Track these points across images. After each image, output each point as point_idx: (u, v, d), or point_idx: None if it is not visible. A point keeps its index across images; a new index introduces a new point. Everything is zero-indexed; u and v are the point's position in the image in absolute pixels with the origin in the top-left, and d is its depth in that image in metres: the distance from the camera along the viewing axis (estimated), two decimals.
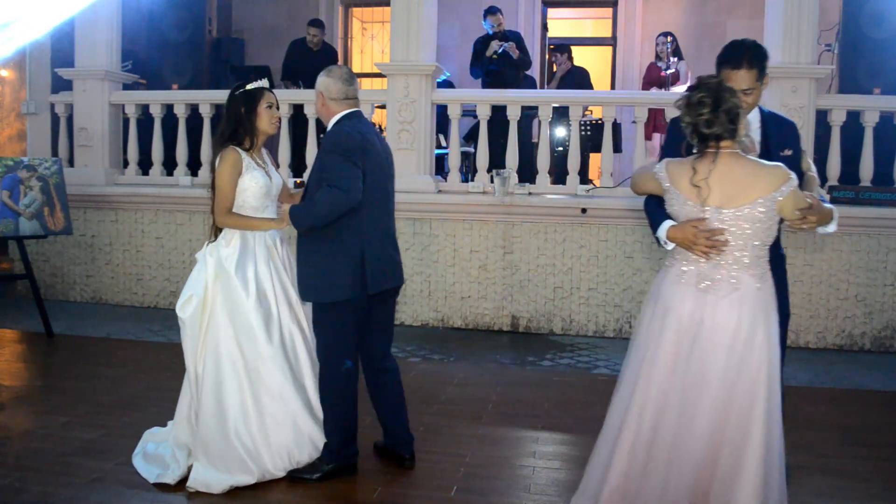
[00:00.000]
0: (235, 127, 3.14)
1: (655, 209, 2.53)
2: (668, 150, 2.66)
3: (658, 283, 2.52)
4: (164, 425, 3.38)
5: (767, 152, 2.72)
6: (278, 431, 3.08)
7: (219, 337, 3.05)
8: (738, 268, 2.34)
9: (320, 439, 3.15)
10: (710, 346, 2.33)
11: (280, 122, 3.36)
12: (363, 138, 2.99)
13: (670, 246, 2.46)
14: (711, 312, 2.34)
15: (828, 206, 2.48)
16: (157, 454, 3.21)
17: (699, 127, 2.32)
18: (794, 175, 2.33)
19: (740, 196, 2.30)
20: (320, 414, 3.16)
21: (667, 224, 2.45)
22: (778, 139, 2.77)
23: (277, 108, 3.22)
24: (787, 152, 2.73)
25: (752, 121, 2.77)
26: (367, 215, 3.00)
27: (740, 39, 2.78)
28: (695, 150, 2.40)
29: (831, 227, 2.48)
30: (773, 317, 2.38)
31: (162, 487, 3.00)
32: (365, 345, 3.19)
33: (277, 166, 3.68)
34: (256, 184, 3.13)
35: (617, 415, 2.52)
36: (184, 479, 3.02)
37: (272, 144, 6.95)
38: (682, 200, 2.38)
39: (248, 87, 3.16)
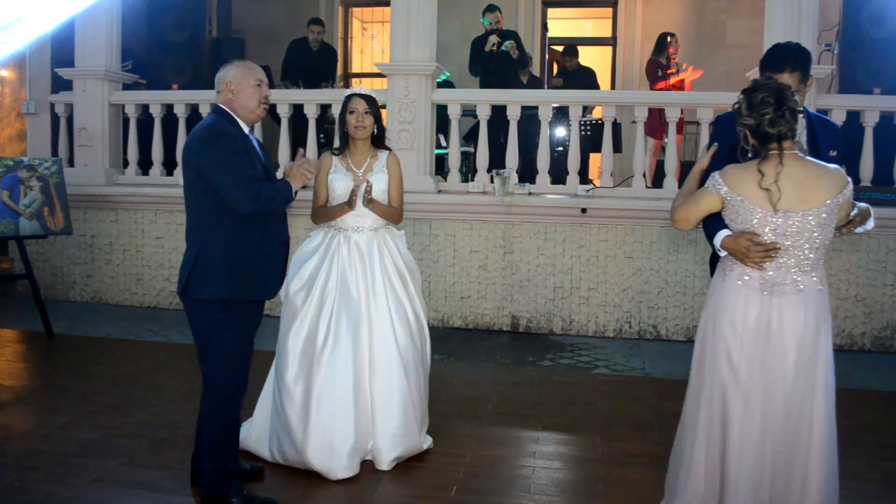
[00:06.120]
0: (339, 130, 3.43)
1: (709, 218, 2.53)
2: (719, 153, 2.61)
3: (717, 288, 2.50)
4: (164, 425, 3.39)
5: (817, 154, 2.69)
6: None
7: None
8: (801, 271, 2.36)
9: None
10: (779, 348, 2.35)
11: (365, 126, 3.35)
12: None
13: (724, 253, 2.47)
14: (778, 314, 2.35)
15: (864, 205, 2.53)
16: None
17: (763, 126, 2.30)
18: (850, 178, 2.37)
19: (806, 200, 2.31)
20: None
21: (722, 234, 2.45)
22: (825, 140, 2.76)
23: (367, 112, 3.33)
24: (833, 153, 2.74)
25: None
26: None
27: (784, 42, 2.79)
28: (750, 154, 2.39)
29: (870, 224, 2.55)
30: (829, 319, 2.43)
31: (162, 487, 3.01)
32: None
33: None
34: (336, 186, 3.34)
35: (691, 424, 2.50)
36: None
37: (272, 144, 6.96)
38: (750, 206, 2.35)
39: (347, 92, 3.39)
